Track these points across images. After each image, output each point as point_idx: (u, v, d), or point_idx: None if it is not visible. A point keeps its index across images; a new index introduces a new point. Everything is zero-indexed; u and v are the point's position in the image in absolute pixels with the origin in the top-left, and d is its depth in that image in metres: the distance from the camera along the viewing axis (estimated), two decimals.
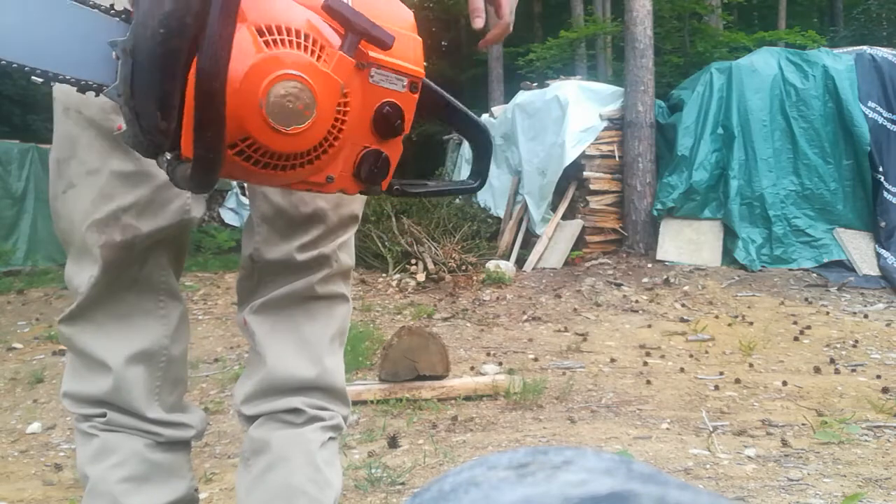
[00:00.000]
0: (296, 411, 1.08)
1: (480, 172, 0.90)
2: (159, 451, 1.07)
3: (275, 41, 0.65)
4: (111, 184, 0.98)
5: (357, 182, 0.75)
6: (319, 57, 0.67)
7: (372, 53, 0.71)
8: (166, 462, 1.07)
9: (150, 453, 1.06)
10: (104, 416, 1.05)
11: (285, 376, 1.08)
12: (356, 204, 1.15)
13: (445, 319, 5.20)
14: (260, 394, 1.09)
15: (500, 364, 3.92)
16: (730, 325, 4.86)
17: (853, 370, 3.72)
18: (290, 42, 0.65)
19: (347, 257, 1.16)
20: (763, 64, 6.71)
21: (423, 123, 15.13)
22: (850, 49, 6.92)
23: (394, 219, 7.29)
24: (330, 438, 1.11)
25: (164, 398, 1.08)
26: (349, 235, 1.16)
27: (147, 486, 1.04)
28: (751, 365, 3.87)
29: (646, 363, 3.95)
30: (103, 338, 1.04)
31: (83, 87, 0.68)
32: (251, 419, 1.11)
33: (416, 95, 0.75)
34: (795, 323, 4.80)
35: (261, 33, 0.64)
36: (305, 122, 0.66)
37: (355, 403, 3.04)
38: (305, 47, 0.66)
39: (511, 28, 1.12)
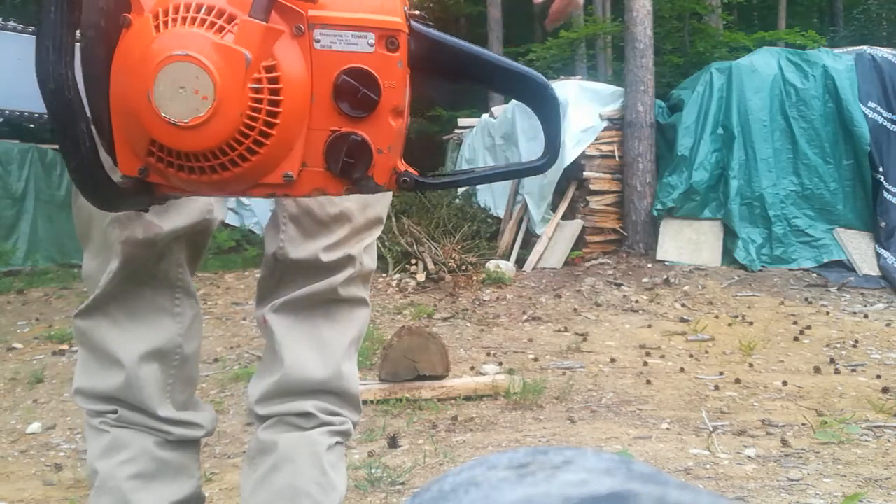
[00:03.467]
0: (307, 415, 1.08)
1: (549, 144, 0.67)
2: (169, 450, 1.08)
3: (166, 23, 0.55)
4: None
5: (334, 177, 0.60)
6: (221, 29, 0.55)
7: (311, 12, 0.58)
8: (175, 460, 1.08)
9: (160, 451, 1.07)
10: (115, 412, 1.06)
11: (301, 378, 1.08)
12: (381, 206, 1.14)
13: (445, 319, 5.20)
14: (274, 394, 1.09)
15: (500, 364, 3.92)
16: (730, 325, 4.86)
17: (853, 370, 3.72)
18: (184, 19, 0.55)
19: (370, 260, 1.16)
20: (763, 64, 6.71)
21: (423, 113, 14.95)
22: (850, 49, 6.92)
23: (394, 219, 7.29)
24: (337, 442, 1.11)
25: (176, 396, 1.09)
26: (373, 238, 1.15)
27: (155, 483, 1.06)
28: (751, 365, 3.87)
29: (646, 363, 3.95)
30: (118, 334, 1.05)
31: (27, 119, 0.69)
32: (263, 418, 1.11)
33: (397, 54, 0.59)
34: (795, 323, 4.80)
35: (155, 18, 0.56)
36: (205, 109, 0.54)
37: None
38: (202, 21, 0.55)
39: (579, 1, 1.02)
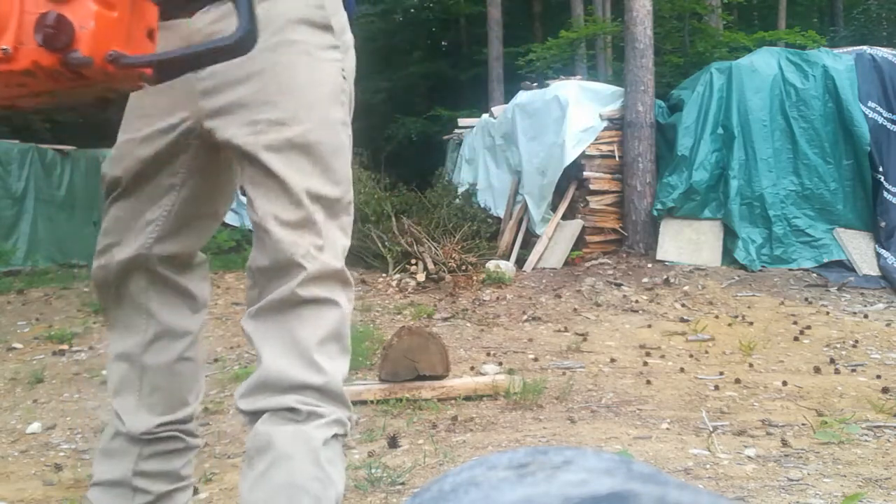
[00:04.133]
0: (292, 410, 1.10)
1: (241, 17, 0.77)
2: (118, 439, 1.31)
3: None
4: (112, 225, 1.27)
5: (44, 50, 0.72)
6: None
7: None
8: (116, 448, 1.32)
9: (112, 440, 1.32)
10: None
11: (279, 375, 1.10)
12: (325, 203, 1.15)
13: (445, 319, 5.20)
14: (255, 389, 1.12)
15: (500, 364, 3.92)
16: (730, 325, 4.86)
17: (853, 370, 3.72)
18: None
19: (331, 258, 1.15)
20: (763, 64, 6.71)
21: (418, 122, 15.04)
22: (850, 49, 6.92)
23: (394, 219, 7.29)
24: (334, 436, 1.11)
25: (143, 398, 1.31)
26: (323, 241, 1.14)
27: (105, 459, 1.32)
28: (751, 365, 3.87)
29: (646, 363, 3.95)
30: (114, 332, 1.33)
31: None
32: (248, 414, 1.13)
33: None
34: (795, 323, 4.80)
35: None
36: None
37: (355, 403, 3.04)
38: None
39: None
